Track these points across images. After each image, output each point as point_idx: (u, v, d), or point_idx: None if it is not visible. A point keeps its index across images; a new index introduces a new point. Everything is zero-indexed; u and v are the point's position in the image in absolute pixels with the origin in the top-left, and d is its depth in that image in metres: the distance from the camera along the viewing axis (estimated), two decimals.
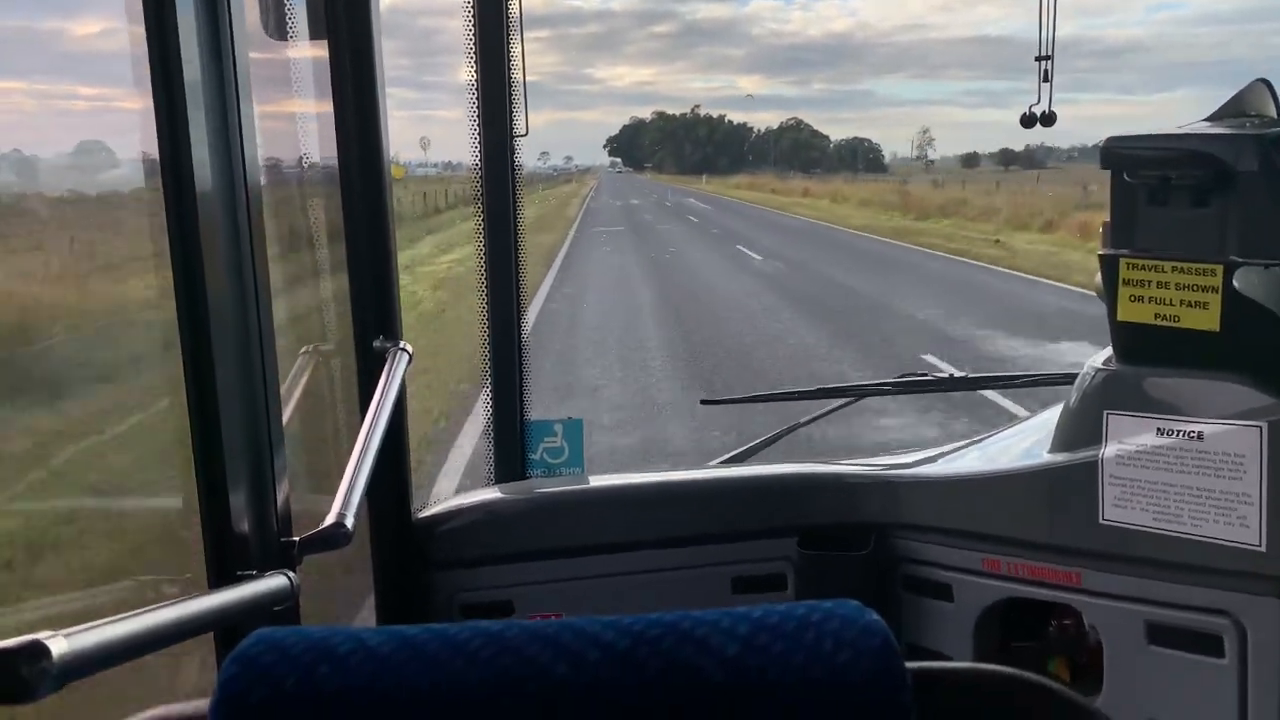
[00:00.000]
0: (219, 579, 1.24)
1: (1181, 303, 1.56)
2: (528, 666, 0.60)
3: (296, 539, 1.35)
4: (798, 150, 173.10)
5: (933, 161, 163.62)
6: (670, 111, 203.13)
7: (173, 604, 1.02)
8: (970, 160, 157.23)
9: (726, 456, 2.34)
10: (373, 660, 0.61)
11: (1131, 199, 1.61)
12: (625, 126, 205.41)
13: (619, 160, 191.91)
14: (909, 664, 0.61)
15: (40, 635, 0.77)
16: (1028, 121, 1.91)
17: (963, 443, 2.05)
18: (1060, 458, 1.70)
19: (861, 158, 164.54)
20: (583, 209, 46.68)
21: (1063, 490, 1.69)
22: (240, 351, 1.27)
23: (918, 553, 1.91)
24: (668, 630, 0.61)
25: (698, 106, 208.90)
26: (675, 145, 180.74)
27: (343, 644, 0.61)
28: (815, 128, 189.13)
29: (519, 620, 0.62)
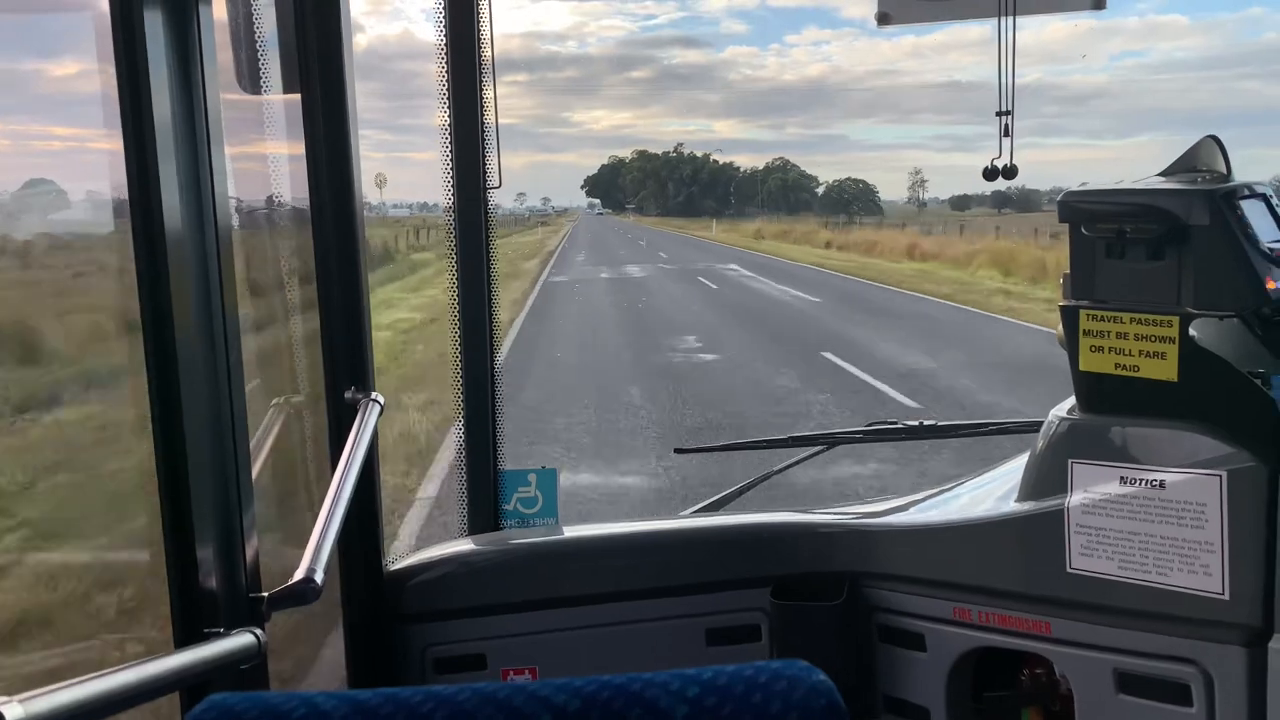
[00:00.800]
0: (186, 637, 1.23)
1: (1140, 353, 1.59)
2: None
3: (265, 594, 1.34)
4: (786, 191, 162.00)
5: (924, 204, 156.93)
6: (652, 150, 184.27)
7: (135, 664, 1.01)
8: (961, 203, 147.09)
9: (699, 506, 2.34)
10: None
11: (1090, 252, 1.65)
12: (604, 166, 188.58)
13: (598, 202, 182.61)
14: None
15: None
16: (990, 174, 1.96)
17: (933, 491, 2.07)
18: (1027, 507, 1.71)
19: (857, 201, 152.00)
20: (535, 291, 24.07)
21: (1030, 539, 1.70)
22: (210, 404, 1.27)
23: (890, 602, 1.91)
24: (618, 693, 0.62)
25: (681, 145, 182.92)
26: (657, 185, 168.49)
27: (296, 709, 0.62)
28: (804, 169, 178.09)
29: (472, 684, 0.63)
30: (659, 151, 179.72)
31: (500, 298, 2.19)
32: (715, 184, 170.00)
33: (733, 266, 34.96)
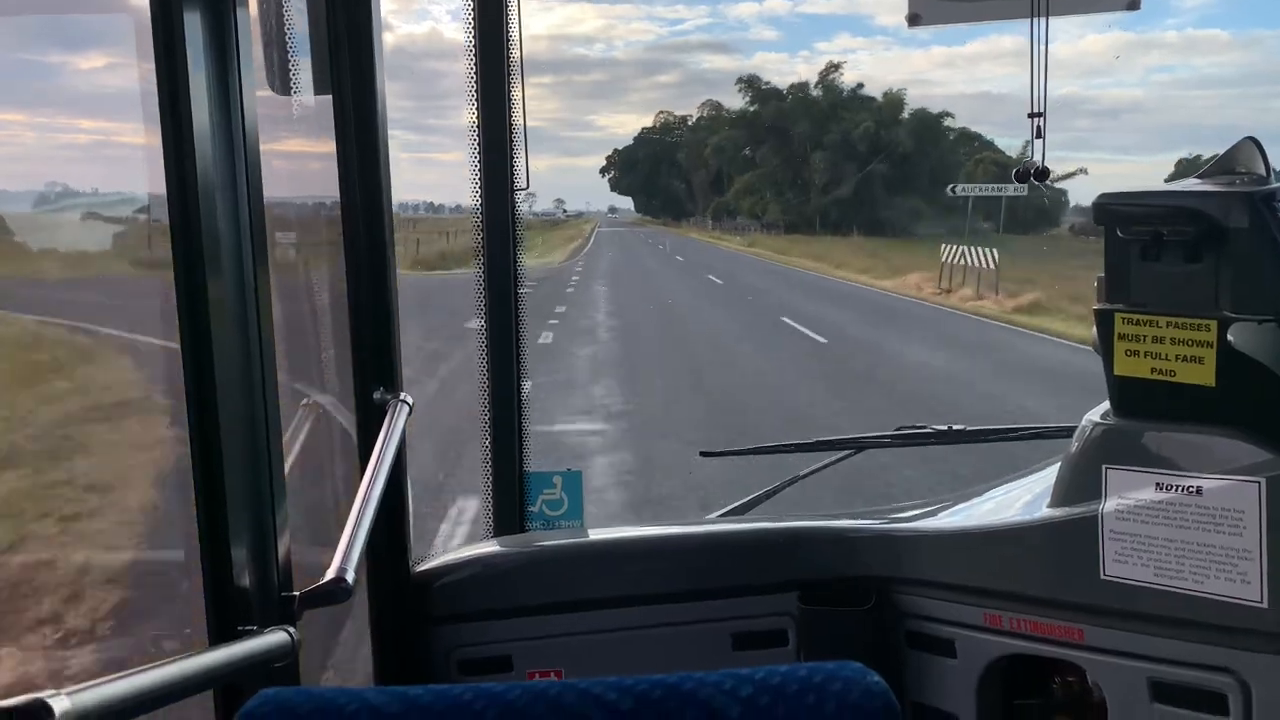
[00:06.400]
0: (219, 634, 1.23)
1: (1177, 357, 1.57)
2: None
3: (297, 594, 1.35)
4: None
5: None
6: (756, 94, 72.21)
7: (174, 660, 1.01)
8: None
9: (726, 510, 2.33)
10: None
11: (1125, 254, 1.63)
12: (640, 138, 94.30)
13: (617, 207, 75.22)
14: None
15: (43, 694, 0.77)
16: (1022, 176, 1.94)
17: (962, 495, 2.05)
18: (1060, 512, 1.69)
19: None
20: None
21: (1063, 545, 1.68)
22: (244, 403, 1.27)
23: (920, 608, 1.89)
24: (670, 692, 0.61)
25: (836, 67, 78.18)
26: (781, 161, 68.21)
27: (349, 704, 0.62)
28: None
29: (520, 681, 0.63)
30: (783, 85, 74.44)
31: None
32: (921, 157, 63.34)
33: None
